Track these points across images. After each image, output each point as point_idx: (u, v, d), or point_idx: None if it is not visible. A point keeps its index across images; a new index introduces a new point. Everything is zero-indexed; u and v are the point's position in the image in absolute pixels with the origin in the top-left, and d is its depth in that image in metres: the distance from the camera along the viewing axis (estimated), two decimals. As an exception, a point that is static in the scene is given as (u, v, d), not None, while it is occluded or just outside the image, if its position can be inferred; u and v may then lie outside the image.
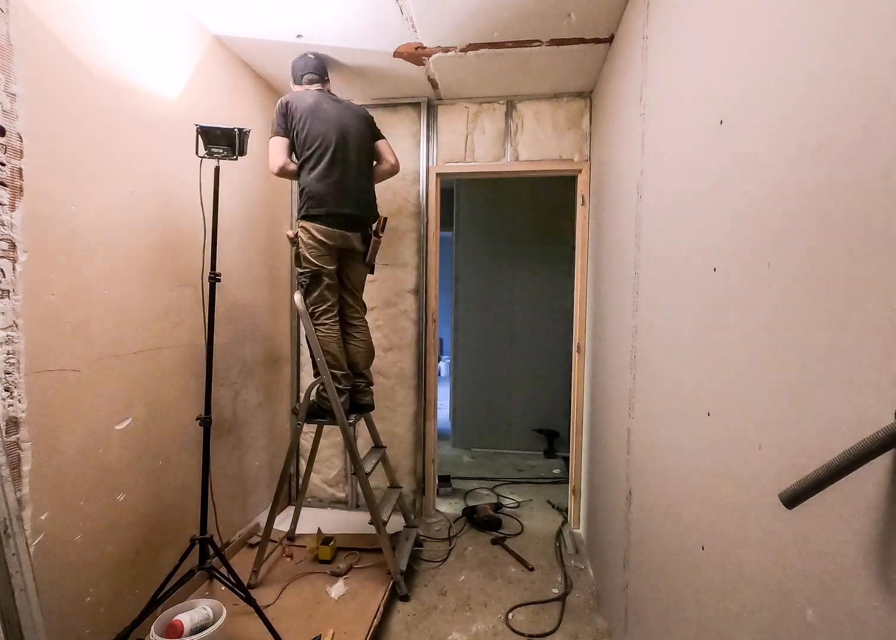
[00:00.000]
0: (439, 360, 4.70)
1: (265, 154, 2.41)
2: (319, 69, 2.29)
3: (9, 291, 1.30)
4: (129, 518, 1.73)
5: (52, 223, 1.42)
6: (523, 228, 4.23)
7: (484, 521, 2.87)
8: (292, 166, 2.19)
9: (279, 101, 2.19)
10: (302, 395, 3.04)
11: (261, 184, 2.37)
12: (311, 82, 2.27)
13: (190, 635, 1.60)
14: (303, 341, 3.04)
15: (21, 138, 1.32)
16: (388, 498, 2.46)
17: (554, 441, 4.22)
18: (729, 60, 1.00)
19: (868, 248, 0.60)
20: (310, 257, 2.15)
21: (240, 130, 1.90)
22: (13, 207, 1.30)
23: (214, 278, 1.91)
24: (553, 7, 1.95)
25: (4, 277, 1.29)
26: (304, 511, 2.87)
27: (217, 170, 1.90)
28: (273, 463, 2.80)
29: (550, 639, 1.96)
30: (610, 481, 2.02)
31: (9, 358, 1.30)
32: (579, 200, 2.79)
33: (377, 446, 2.58)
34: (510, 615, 2.08)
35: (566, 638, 1.96)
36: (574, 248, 2.84)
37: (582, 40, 2.20)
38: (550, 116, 2.78)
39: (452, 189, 4.33)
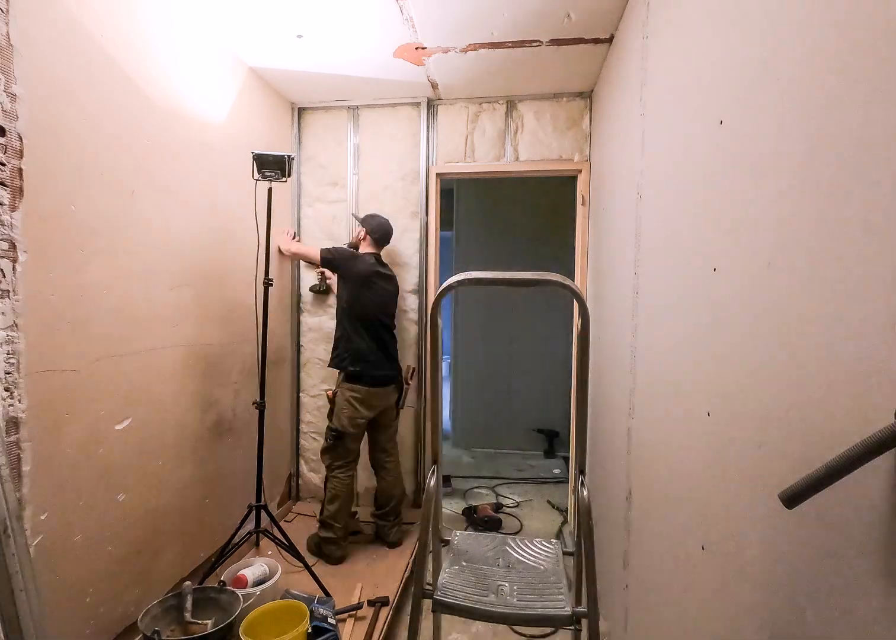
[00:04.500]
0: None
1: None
2: (389, 236, 2.65)
3: (9, 292, 1.29)
4: (129, 518, 1.73)
5: (52, 223, 1.42)
6: (523, 228, 4.23)
7: (484, 521, 2.87)
8: (315, 261, 2.62)
9: (349, 252, 2.55)
10: (302, 394, 3.05)
11: (262, 196, 2.38)
12: (380, 246, 2.62)
13: (253, 586, 1.89)
14: (303, 341, 3.04)
15: (21, 138, 1.32)
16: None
17: (554, 441, 4.22)
18: (729, 60, 1.00)
19: (868, 247, 0.60)
20: (342, 416, 2.39)
21: (288, 156, 2.19)
22: (13, 208, 1.30)
23: (268, 283, 2.23)
24: (553, 7, 1.95)
25: (4, 277, 1.29)
26: (306, 508, 2.88)
27: (270, 191, 2.24)
28: (273, 462, 2.79)
29: (551, 639, 1.96)
30: (610, 481, 2.02)
31: (9, 358, 1.29)
32: (579, 200, 2.79)
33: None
34: (510, 615, 2.08)
35: (566, 638, 1.95)
36: (574, 248, 2.84)
37: (582, 40, 2.20)
38: (550, 116, 2.78)
39: (452, 189, 4.33)
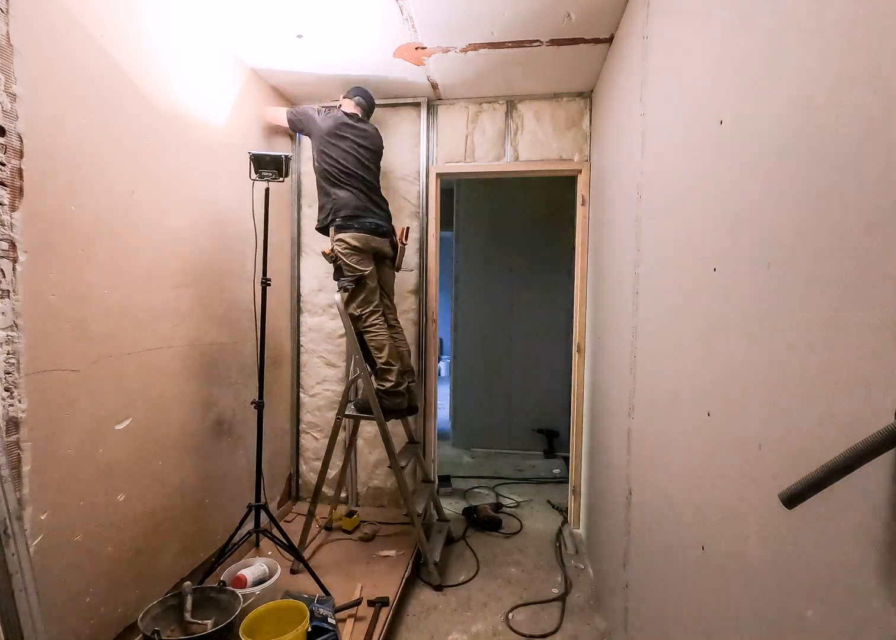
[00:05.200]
0: (439, 360, 4.71)
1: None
2: (372, 106, 2.59)
3: (9, 292, 1.29)
4: (129, 518, 1.73)
5: (52, 223, 1.42)
6: (523, 229, 4.23)
7: (484, 521, 2.87)
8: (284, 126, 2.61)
9: (313, 108, 2.49)
10: (302, 394, 3.05)
11: (259, 193, 2.37)
12: (361, 107, 2.52)
13: (252, 586, 1.89)
14: (303, 341, 3.04)
15: (21, 138, 1.32)
16: (421, 493, 2.51)
17: (554, 441, 4.22)
18: (729, 60, 1.00)
19: (868, 247, 0.60)
20: (351, 263, 2.29)
21: (286, 156, 2.21)
22: (13, 208, 1.30)
23: (266, 283, 2.22)
24: (553, 7, 1.95)
25: (4, 277, 1.29)
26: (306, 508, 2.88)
27: (267, 191, 2.23)
28: (273, 462, 2.79)
29: (551, 639, 1.96)
30: (610, 481, 2.02)
31: (9, 358, 1.29)
32: (579, 200, 2.79)
33: (412, 441, 2.70)
34: (510, 615, 2.08)
35: (566, 638, 1.96)
36: (574, 248, 2.84)
37: (582, 40, 2.20)
38: (550, 116, 2.78)
39: (452, 189, 4.33)
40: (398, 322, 2.63)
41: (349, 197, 2.33)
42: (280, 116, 2.58)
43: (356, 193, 2.35)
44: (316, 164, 2.40)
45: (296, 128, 2.54)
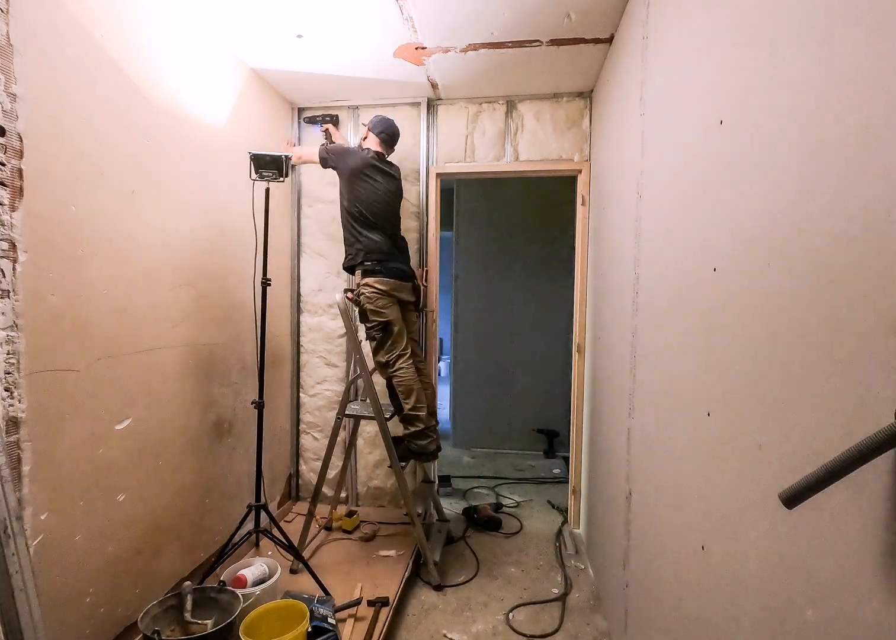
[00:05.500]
0: (439, 360, 4.72)
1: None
2: (395, 137, 2.54)
3: (9, 292, 1.29)
4: (129, 518, 1.73)
5: (52, 223, 1.42)
6: (523, 228, 4.23)
7: (484, 521, 2.87)
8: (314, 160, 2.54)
9: (348, 146, 2.58)
10: (302, 394, 3.05)
11: (259, 193, 2.37)
12: (386, 146, 2.51)
13: (252, 586, 1.89)
14: (303, 341, 3.04)
15: (21, 138, 1.32)
16: (421, 493, 2.51)
17: (554, 441, 4.22)
18: (729, 60, 1.00)
19: (868, 248, 0.60)
20: (376, 308, 2.29)
21: (286, 156, 2.22)
22: (13, 208, 1.30)
23: (266, 283, 2.23)
24: (553, 7, 1.95)
25: (4, 277, 1.28)
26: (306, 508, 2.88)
27: (267, 191, 2.23)
28: (273, 463, 2.79)
29: (551, 639, 1.96)
30: (610, 481, 2.02)
31: (9, 358, 1.29)
32: (579, 200, 2.79)
33: None
34: (510, 616, 2.08)
35: (567, 638, 1.95)
36: (574, 248, 2.84)
37: (582, 40, 2.20)
38: (550, 116, 2.78)
39: (452, 189, 4.33)
40: (426, 365, 2.67)
41: (379, 241, 2.37)
42: (311, 154, 2.55)
43: (383, 237, 2.39)
44: (345, 202, 2.40)
45: (326, 164, 2.50)
